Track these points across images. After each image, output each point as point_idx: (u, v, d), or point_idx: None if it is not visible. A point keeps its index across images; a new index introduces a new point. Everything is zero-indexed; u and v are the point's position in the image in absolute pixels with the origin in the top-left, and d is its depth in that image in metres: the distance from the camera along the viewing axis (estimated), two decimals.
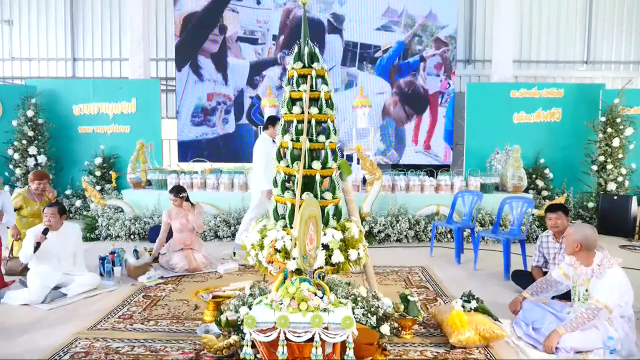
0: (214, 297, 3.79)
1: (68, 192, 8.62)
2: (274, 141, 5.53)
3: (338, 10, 10.50)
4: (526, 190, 7.70)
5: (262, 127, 6.05)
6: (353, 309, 3.04)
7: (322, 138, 3.21)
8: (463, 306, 3.44)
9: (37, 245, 4.15)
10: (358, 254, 3.08)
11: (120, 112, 8.91)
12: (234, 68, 10.59)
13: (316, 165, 3.14)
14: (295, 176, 3.19)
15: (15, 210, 5.13)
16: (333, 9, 10.48)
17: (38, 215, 5.17)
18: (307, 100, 3.20)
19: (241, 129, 10.64)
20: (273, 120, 5.75)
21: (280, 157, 3.32)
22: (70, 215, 8.17)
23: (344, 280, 3.82)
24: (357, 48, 10.56)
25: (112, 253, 4.89)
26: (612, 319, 3.11)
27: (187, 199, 5.41)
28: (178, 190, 5.35)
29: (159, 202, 7.12)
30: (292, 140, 3.21)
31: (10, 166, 8.31)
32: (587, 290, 3.22)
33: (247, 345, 2.58)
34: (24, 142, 8.25)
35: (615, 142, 7.78)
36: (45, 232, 4.21)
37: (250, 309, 2.83)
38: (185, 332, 3.54)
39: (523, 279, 4.44)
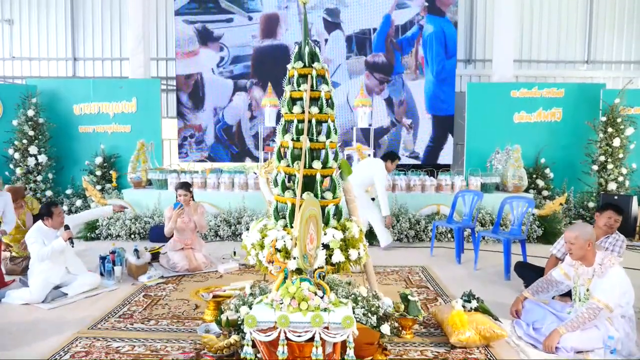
0: (214, 296, 3.79)
1: (68, 191, 8.62)
2: None
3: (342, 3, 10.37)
4: (527, 190, 7.70)
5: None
6: (353, 308, 3.04)
7: (322, 138, 3.21)
8: (463, 306, 3.44)
9: (71, 240, 4.30)
10: (358, 253, 3.08)
11: (121, 112, 8.90)
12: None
13: (317, 164, 3.14)
14: (295, 176, 3.19)
15: None
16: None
17: (18, 226, 5.14)
18: (307, 99, 3.20)
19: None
20: (393, 157, 6.42)
21: (280, 156, 3.32)
22: (71, 215, 8.17)
23: (344, 279, 3.83)
24: (370, 34, 10.47)
25: (113, 252, 4.90)
26: (613, 319, 3.11)
27: (192, 198, 5.44)
28: (188, 185, 5.38)
29: (160, 202, 7.13)
30: (292, 139, 3.21)
31: (11, 165, 8.31)
32: (588, 290, 3.21)
33: (247, 345, 2.58)
34: (25, 141, 8.25)
35: (616, 142, 7.78)
36: (67, 227, 4.36)
37: (250, 308, 2.84)
38: (186, 332, 3.55)
39: (526, 270, 4.50)
